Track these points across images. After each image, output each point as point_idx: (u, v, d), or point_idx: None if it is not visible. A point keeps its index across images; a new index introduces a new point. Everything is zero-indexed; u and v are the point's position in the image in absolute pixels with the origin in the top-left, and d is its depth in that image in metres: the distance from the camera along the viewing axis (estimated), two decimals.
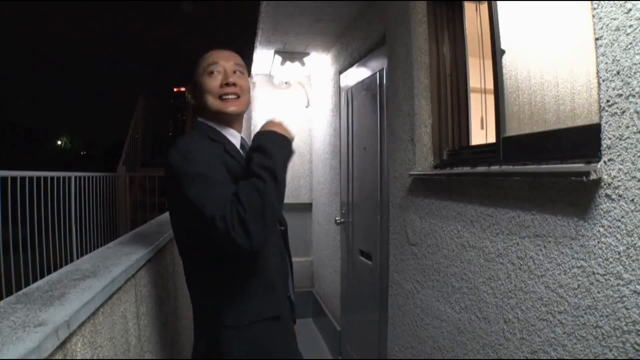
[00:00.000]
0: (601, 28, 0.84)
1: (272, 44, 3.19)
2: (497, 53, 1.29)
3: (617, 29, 0.80)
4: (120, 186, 4.96)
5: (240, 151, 1.13)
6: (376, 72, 2.29)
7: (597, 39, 0.85)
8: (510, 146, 1.23)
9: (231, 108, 1.09)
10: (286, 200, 1.09)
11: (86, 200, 3.70)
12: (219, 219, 0.86)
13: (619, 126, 0.80)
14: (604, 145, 0.84)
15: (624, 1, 0.79)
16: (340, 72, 3.00)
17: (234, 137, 1.15)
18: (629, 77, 0.78)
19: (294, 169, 4.05)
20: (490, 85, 1.35)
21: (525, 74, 1.23)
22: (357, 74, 2.63)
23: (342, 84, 2.97)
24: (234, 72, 1.11)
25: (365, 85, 2.47)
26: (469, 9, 1.61)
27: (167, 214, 1.56)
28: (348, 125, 2.81)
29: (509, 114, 1.28)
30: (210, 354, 1.02)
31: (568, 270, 0.93)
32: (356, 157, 2.68)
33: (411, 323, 1.74)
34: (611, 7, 0.81)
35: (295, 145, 1.07)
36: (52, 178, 3.12)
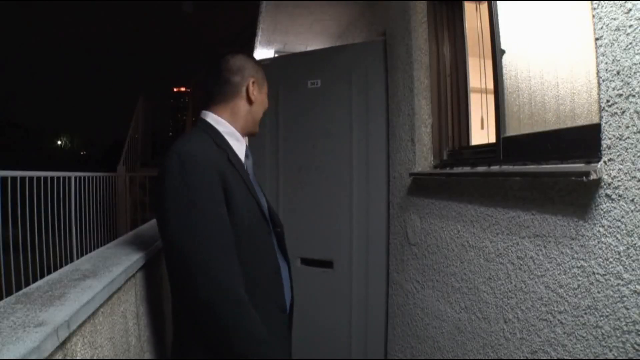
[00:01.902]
0: (601, 28, 0.84)
1: (272, 44, 3.20)
2: (497, 53, 1.29)
3: (617, 29, 0.80)
4: (120, 186, 4.96)
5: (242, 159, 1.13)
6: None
7: (597, 39, 0.85)
8: (510, 146, 1.23)
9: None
10: None
11: (86, 200, 3.69)
12: (209, 291, 0.83)
13: (619, 126, 0.80)
14: (604, 145, 0.84)
15: (624, 1, 0.79)
16: None
17: (241, 143, 1.11)
18: (629, 77, 0.78)
19: None
20: (490, 85, 1.35)
21: (525, 74, 1.23)
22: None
23: None
24: None
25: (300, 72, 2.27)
26: (469, 8, 1.61)
27: None
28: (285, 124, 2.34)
29: (509, 114, 1.28)
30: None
31: (568, 270, 0.93)
32: (303, 156, 2.29)
33: (411, 323, 1.74)
34: (611, 7, 0.81)
35: None
36: (52, 178, 3.11)
